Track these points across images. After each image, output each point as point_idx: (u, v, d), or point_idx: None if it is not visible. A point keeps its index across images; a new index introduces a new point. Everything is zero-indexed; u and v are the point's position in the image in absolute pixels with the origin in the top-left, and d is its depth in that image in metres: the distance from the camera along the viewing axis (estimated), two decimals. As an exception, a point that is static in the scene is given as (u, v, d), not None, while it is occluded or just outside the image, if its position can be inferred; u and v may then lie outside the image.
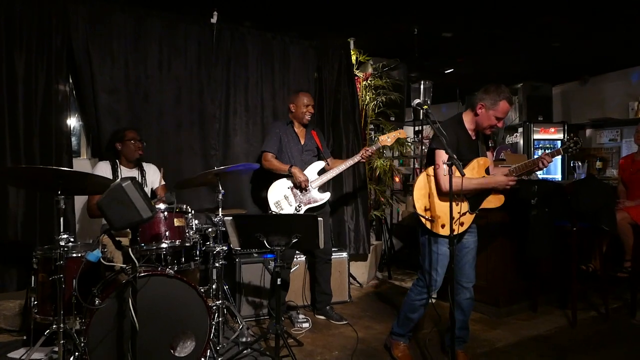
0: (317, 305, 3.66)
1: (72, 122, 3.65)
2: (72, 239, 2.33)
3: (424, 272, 2.68)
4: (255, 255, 3.63)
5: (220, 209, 2.93)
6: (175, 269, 2.65)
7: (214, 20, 3.86)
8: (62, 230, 2.22)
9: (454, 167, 2.30)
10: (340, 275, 3.88)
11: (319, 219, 2.54)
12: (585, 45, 5.18)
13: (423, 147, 5.24)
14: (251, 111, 4.07)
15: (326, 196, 3.42)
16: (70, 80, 3.49)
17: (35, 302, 2.50)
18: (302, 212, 3.34)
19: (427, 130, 5.32)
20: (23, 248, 3.12)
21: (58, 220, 2.22)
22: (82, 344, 2.14)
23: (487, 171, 2.66)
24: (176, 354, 2.31)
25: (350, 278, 4.14)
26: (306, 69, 4.34)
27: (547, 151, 2.87)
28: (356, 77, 4.58)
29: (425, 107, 2.52)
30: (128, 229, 2.36)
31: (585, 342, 3.14)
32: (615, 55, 5.60)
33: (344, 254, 3.96)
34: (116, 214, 1.87)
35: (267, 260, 3.57)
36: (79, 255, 2.45)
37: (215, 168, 2.96)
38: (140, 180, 3.22)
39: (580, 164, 5.87)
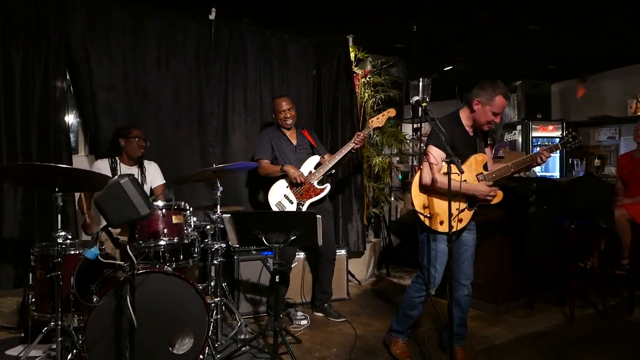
0: (316, 303, 3.66)
1: (70, 119, 3.64)
2: (69, 236, 2.32)
3: (423, 269, 2.69)
4: (253, 252, 3.62)
5: (218, 206, 2.92)
6: (174, 266, 2.64)
7: (212, 17, 3.84)
8: (60, 227, 2.21)
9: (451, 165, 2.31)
10: (339, 273, 3.88)
11: (317, 216, 2.53)
12: (584, 43, 5.18)
13: (422, 145, 5.23)
14: (250, 108, 4.06)
15: (326, 188, 3.41)
16: (68, 77, 3.47)
17: (33, 300, 2.49)
18: (304, 208, 3.33)
19: (426, 128, 5.32)
20: (21, 245, 3.12)
21: (56, 218, 2.21)
22: (80, 342, 2.13)
23: (485, 167, 2.66)
24: (174, 351, 2.31)
25: (349, 275, 4.15)
26: (305, 66, 4.33)
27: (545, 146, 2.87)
28: (355, 75, 4.57)
29: (424, 104, 2.53)
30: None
31: (583, 339, 3.15)
32: (614, 53, 5.60)
33: (343, 252, 3.96)
34: (114, 211, 1.87)
35: (267, 257, 3.57)
36: (77, 252, 2.44)
37: (214, 166, 2.95)
38: (139, 178, 3.22)
39: (578, 161, 5.88)
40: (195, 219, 2.86)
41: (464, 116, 2.66)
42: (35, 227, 3.23)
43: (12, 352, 2.71)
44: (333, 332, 3.27)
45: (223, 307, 3.03)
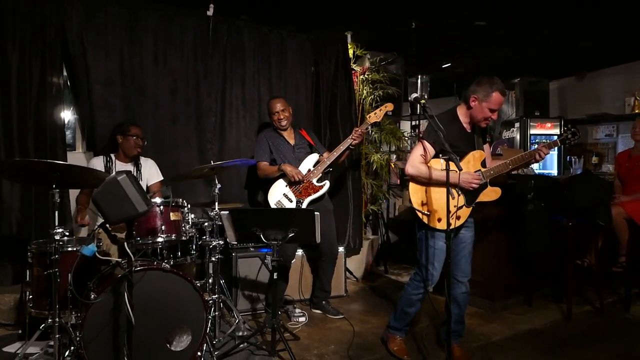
0: (314, 300, 3.67)
1: (67, 115, 3.62)
2: (67, 233, 2.31)
3: (421, 266, 2.69)
4: (251, 249, 3.62)
5: (216, 203, 2.92)
6: (172, 263, 2.64)
7: (210, 13, 3.82)
8: (57, 224, 2.20)
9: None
10: (337, 270, 3.87)
11: (315, 213, 2.53)
12: (582, 41, 5.17)
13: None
14: (248, 105, 4.04)
15: (325, 185, 3.40)
16: (65, 73, 3.45)
17: (31, 297, 2.49)
18: (304, 206, 3.33)
19: (424, 125, 5.31)
20: (18, 242, 3.10)
21: (53, 214, 2.20)
22: (78, 338, 2.13)
23: (483, 164, 2.66)
24: (172, 348, 2.31)
25: (347, 272, 4.15)
26: (303, 63, 4.31)
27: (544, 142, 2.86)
28: (353, 71, 4.56)
29: (423, 101, 2.52)
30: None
31: (580, 336, 3.16)
32: (612, 50, 5.60)
33: (341, 249, 3.96)
34: (111, 208, 1.86)
35: (265, 255, 3.57)
36: (74, 249, 2.44)
37: (212, 162, 2.94)
38: (135, 175, 3.20)
39: (576, 159, 5.89)
40: (193, 215, 2.86)
41: (461, 113, 2.65)
42: (32, 224, 3.21)
43: (10, 348, 2.71)
44: (331, 329, 3.28)
45: (221, 304, 3.03)
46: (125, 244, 1.93)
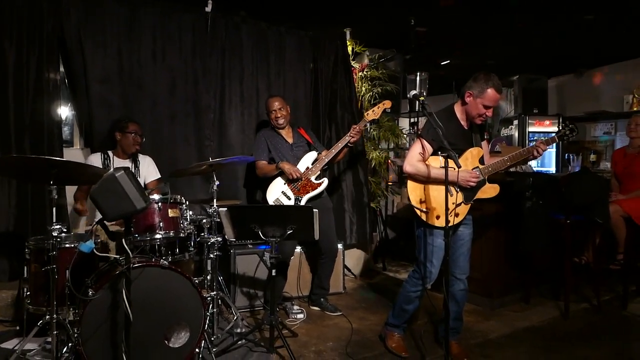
0: (312, 297, 3.67)
1: (65, 111, 3.60)
2: (64, 230, 2.31)
3: (420, 264, 2.69)
4: (250, 246, 3.62)
5: (214, 200, 2.91)
6: (170, 259, 2.64)
7: (208, 9, 3.80)
8: (54, 220, 2.19)
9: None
10: (335, 267, 3.88)
11: (314, 210, 2.53)
12: (581, 38, 5.17)
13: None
14: (246, 102, 4.03)
15: (323, 182, 3.40)
16: (62, 69, 3.43)
17: (28, 293, 2.48)
18: (302, 203, 3.32)
19: (423, 122, 5.30)
20: (14, 238, 3.10)
21: (50, 211, 2.20)
22: (76, 335, 2.13)
23: (481, 161, 2.66)
24: (170, 345, 2.31)
25: (345, 269, 4.15)
26: (302, 60, 4.30)
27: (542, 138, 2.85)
28: (352, 68, 4.55)
29: (422, 98, 2.52)
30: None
31: (577, 333, 3.17)
32: (611, 48, 5.60)
33: (339, 245, 3.96)
34: (110, 205, 1.85)
35: (263, 251, 3.56)
36: (72, 245, 2.43)
37: (210, 159, 2.94)
38: (133, 171, 3.19)
39: (574, 156, 5.90)
40: (191, 212, 2.85)
41: (458, 110, 2.65)
42: (28, 220, 3.20)
43: (7, 345, 2.71)
44: (329, 326, 3.28)
45: (219, 300, 3.02)
46: (123, 240, 1.92)
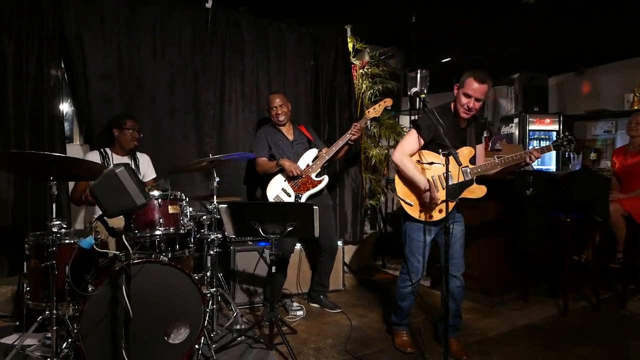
0: (312, 294, 3.68)
1: (65, 107, 3.60)
2: (64, 225, 2.31)
3: (406, 259, 2.70)
4: (250, 243, 3.62)
5: (215, 197, 2.91)
6: (170, 256, 2.64)
7: (208, 5, 3.79)
8: (54, 216, 2.19)
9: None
10: (335, 264, 3.88)
11: (314, 207, 2.53)
12: (582, 37, 5.16)
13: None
14: (247, 98, 4.02)
15: (324, 180, 3.40)
16: (62, 65, 3.42)
17: (28, 288, 2.48)
18: (302, 200, 3.32)
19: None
20: (14, 234, 3.10)
21: (50, 206, 2.19)
22: (75, 331, 2.13)
23: (472, 161, 2.65)
24: (170, 341, 2.31)
25: (345, 267, 4.16)
26: (302, 56, 4.28)
27: (538, 146, 2.86)
28: (352, 65, 4.53)
29: (423, 95, 2.51)
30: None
31: (576, 331, 3.18)
32: (611, 46, 5.58)
33: (339, 243, 3.96)
34: (109, 201, 1.85)
35: (263, 248, 3.56)
36: (72, 241, 2.43)
37: (210, 156, 2.93)
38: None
39: (574, 155, 5.89)
40: (191, 209, 2.85)
41: (455, 108, 2.65)
42: (28, 216, 3.20)
43: (7, 340, 2.71)
44: (329, 323, 3.29)
45: (219, 297, 3.03)
46: (123, 236, 1.92)
